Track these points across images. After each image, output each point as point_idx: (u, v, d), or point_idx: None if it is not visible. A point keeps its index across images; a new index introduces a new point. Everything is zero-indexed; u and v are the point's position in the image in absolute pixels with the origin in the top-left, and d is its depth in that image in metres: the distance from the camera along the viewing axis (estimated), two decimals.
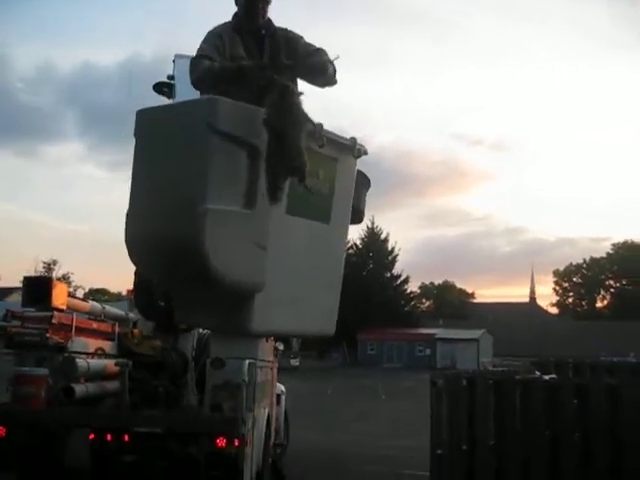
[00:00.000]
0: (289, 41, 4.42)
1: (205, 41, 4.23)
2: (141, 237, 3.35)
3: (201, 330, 6.70)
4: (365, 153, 3.88)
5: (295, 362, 42.38)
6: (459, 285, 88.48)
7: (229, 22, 4.52)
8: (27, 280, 6.63)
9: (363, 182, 4.16)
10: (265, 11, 4.49)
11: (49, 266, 63.43)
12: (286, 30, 4.50)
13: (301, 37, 4.52)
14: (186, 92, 5.18)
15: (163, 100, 7.29)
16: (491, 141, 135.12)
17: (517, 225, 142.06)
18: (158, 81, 7.51)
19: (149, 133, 3.42)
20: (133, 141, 3.59)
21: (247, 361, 5.29)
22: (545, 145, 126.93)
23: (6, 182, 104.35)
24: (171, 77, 7.42)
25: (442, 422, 5.92)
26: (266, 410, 6.62)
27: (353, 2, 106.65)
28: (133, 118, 3.73)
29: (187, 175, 3.15)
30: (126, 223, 3.39)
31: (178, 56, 7.46)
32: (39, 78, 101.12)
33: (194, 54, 4.20)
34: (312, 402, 18.69)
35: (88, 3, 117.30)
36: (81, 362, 5.94)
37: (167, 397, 6.08)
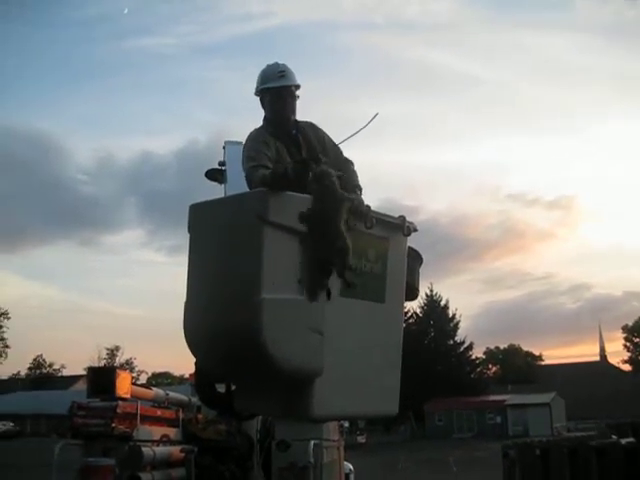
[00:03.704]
0: (319, 138, 4.34)
1: (253, 150, 4.08)
2: (198, 328, 3.40)
3: None
4: (415, 230, 3.87)
5: (362, 439, 41.68)
6: (525, 348, 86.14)
7: (261, 127, 4.35)
8: (91, 371, 6.77)
9: (415, 258, 4.14)
10: (294, 107, 4.34)
11: (112, 352, 64.44)
12: (311, 125, 4.42)
13: (325, 133, 4.39)
14: (236, 177, 5.31)
15: (215, 186, 7.49)
16: (548, 199, 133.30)
17: (581, 282, 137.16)
18: (210, 168, 7.72)
19: (203, 227, 3.51)
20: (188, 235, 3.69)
21: (312, 442, 5.22)
22: (602, 199, 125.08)
23: (70, 272, 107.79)
24: (222, 163, 7.61)
25: None
26: None
27: (395, 74, 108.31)
28: (190, 201, 3.81)
29: (242, 267, 3.20)
30: (184, 314, 3.46)
31: (228, 142, 7.68)
32: (99, 169, 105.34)
33: (246, 159, 4.12)
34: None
35: (143, 95, 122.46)
36: (147, 450, 5.96)
37: None
